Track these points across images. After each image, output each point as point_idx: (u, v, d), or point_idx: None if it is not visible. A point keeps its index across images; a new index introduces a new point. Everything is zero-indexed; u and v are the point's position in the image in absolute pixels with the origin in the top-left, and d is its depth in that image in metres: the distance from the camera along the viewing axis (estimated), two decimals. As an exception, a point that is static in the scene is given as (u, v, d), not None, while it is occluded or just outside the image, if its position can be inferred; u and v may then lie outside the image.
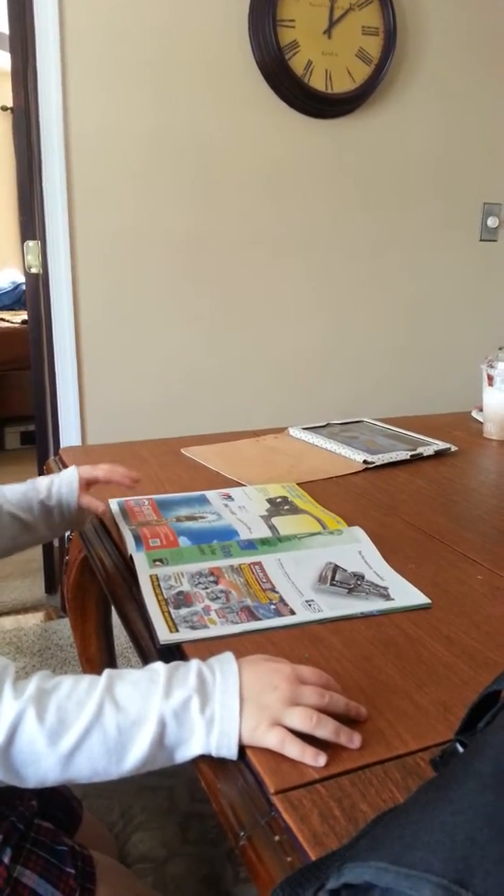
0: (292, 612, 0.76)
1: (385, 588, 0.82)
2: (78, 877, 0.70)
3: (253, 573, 0.84)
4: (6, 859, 0.67)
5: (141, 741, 0.55)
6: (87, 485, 0.98)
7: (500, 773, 0.38)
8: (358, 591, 0.81)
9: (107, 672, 0.60)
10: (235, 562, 0.87)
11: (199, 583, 0.81)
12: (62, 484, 0.96)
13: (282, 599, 0.79)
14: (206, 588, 0.80)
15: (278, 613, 0.76)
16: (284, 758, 0.55)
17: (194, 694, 0.57)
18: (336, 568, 0.85)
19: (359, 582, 0.83)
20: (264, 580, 0.83)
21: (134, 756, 0.55)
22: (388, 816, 0.39)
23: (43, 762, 0.56)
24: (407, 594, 0.81)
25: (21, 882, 0.66)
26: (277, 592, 0.80)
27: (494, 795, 0.36)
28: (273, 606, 0.77)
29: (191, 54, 2.03)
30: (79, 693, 0.57)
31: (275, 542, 0.93)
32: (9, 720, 0.56)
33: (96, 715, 0.56)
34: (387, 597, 0.80)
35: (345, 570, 0.85)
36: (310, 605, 0.78)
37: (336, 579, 0.83)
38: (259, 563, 0.86)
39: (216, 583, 0.81)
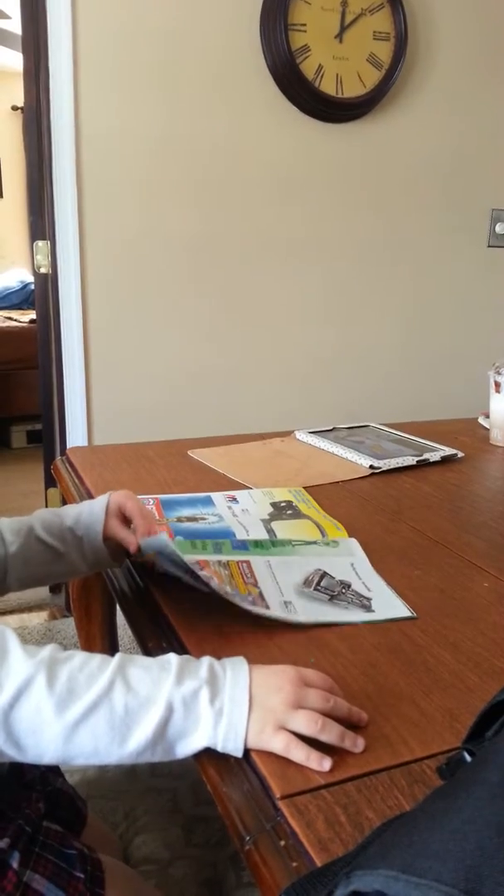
0: (267, 608, 0.76)
1: (368, 599, 0.81)
2: (87, 881, 0.69)
3: (239, 569, 0.84)
4: (15, 864, 0.66)
5: (146, 724, 0.55)
6: (120, 514, 0.86)
7: (509, 782, 0.38)
8: (339, 600, 0.80)
9: (119, 654, 0.60)
10: (224, 558, 0.87)
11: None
12: (90, 510, 0.85)
13: (261, 595, 0.79)
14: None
15: (253, 605, 0.76)
16: (290, 762, 0.55)
17: (205, 685, 0.57)
18: (324, 574, 0.85)
19: (343, 590, 0.82)
20: (248, 576, 0.83)
21: (136, 739, 0.55)
22: (396, 824, 0.39)
23: (46, 732, 0.55)
24: (390, 607, 0.79)
25: (31, 887, 0.66)
26: (258, 588, 0.80)
27: (503, 805, 0.36)
28: (250, 598, 0.77)
29: (202, 57, 2.03)
30: (91, 667, 0.58)
31: (268, 545, 0.93)
32: (19, 680, 0.56)
33: (106, 690, 0.56)
34: (368, 608, 0.79)
35: (332, 578, 0.84)
36: (287, 605, 0.77)
37: (321, 584, 0.83)
38: (247, 562, 0.86)
39: (201, 570, 0.81)
